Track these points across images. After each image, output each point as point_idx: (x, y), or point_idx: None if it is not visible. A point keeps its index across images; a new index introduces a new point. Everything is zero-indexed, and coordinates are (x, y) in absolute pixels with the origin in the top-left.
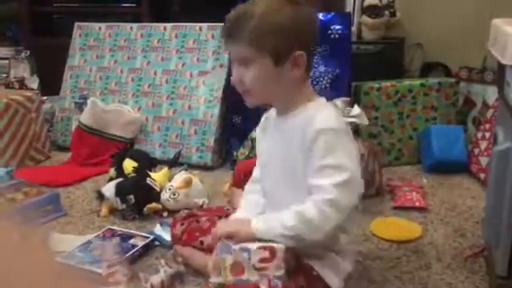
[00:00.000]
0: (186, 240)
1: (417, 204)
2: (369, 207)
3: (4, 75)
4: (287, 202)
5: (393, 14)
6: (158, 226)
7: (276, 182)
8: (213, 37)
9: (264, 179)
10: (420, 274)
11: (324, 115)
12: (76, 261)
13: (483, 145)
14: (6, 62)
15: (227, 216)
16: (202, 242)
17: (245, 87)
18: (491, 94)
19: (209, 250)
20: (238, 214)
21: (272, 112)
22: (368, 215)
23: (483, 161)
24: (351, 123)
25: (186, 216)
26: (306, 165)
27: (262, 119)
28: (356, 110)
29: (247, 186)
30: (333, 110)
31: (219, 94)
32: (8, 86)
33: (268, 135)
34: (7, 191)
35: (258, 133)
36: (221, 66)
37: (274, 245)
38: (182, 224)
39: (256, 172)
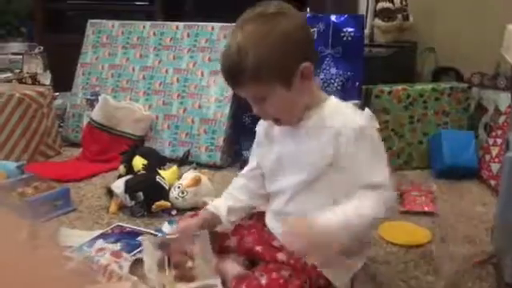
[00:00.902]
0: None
1: (426, 209)
2: None
3: (17, 70)
4: (304, 208)
5: (406, 18)
6: (165, 223)
7: (291, 188)
8: (225, 37)
9: (274, 182)
10: (427, 279)
11: (351, 113)
12: (84, 256)
13: (494, 151)
14: (20, 57)
15: None
16: None
17: (272, 117)
18: (504, 100)
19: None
20: (216, 202)
21: None
22: None
23: (494, 167)
24: None
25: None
26: (348, 163)
27: (263, 123)
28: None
29: (243, 171)
30: (351, 108)
31: (229, 93)
32: (21, 81)
33: (279, 140)
34: (18, 185)
35: (260, 136)
36: None
37: None
38: None
39: (253, 163)
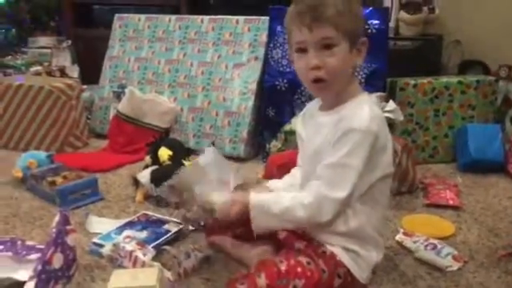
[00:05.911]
0: (219, 229)
1: (450, 202)
2: (401, 203)
3: (46, 63)
4: None
5: (431, 11)
6: None
7: (307, 174)
8: (249, 30)
9: (301, 167)
10: (452, 271)
11: (359, 115)
12: (112, 243)
13: None
14: (49, 50)
15: None
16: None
17: (325, 73)
18: None
19: (241, 237)
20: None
21: (314, 104)
22: (400, 211)
23: None
24: (385, 118)
25: None
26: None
27: (305, 109)
28: (391, 105)
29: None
30: (369, 110)
31: (253, 86)
32: (50, 73)
33: (307, 126)
34: (48, 174)
35: (298, 121)
36: (256, 58)
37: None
38: None
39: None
